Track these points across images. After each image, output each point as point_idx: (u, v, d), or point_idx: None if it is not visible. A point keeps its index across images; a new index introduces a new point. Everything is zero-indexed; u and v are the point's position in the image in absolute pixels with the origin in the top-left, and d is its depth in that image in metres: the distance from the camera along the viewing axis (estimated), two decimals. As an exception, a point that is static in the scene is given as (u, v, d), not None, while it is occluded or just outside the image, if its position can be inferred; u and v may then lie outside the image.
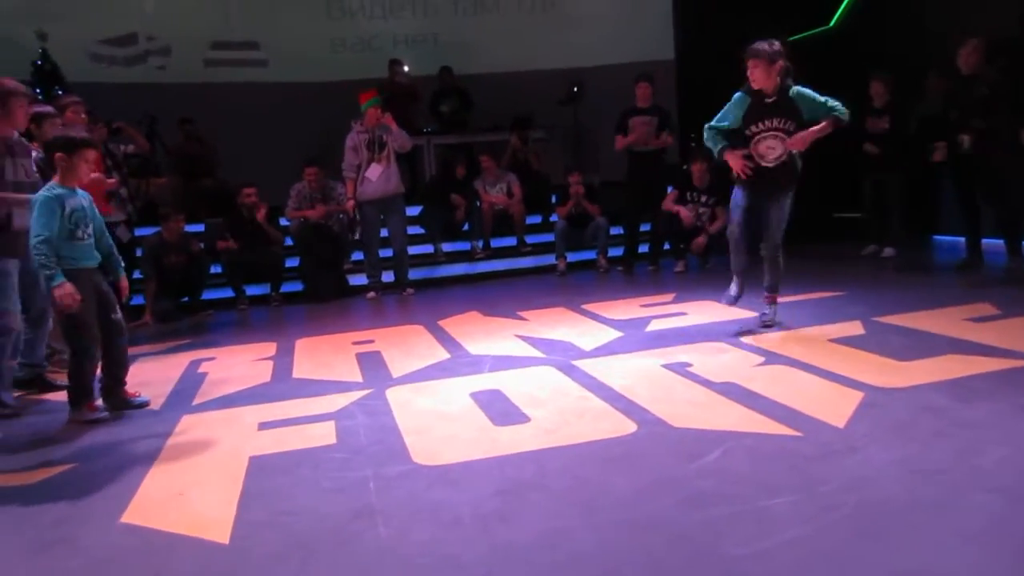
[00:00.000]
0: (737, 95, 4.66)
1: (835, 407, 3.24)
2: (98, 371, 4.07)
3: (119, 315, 4.16)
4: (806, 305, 5.38)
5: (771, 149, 4.58)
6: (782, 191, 4.68)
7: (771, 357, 4.14)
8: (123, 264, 4.30)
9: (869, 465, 2.66)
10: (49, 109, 5.04)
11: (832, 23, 10.06)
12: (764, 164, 4.62)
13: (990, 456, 2.67)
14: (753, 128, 4.62)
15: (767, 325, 4.83)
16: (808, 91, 4.52)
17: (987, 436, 2.84)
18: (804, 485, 2.53)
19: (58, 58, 8.72)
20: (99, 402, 4.04)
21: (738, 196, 4.77)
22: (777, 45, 4.51)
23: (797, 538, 2.20)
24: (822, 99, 4.48)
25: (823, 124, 4.45)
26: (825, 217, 8.92)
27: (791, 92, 4.51)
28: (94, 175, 4.61)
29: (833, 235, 8.68)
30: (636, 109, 7.74)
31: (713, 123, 4.76)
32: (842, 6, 9.94)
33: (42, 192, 3.91)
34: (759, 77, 4.51)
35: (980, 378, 3.50)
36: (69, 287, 3.81)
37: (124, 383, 4.17)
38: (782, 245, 4.79)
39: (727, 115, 4.71)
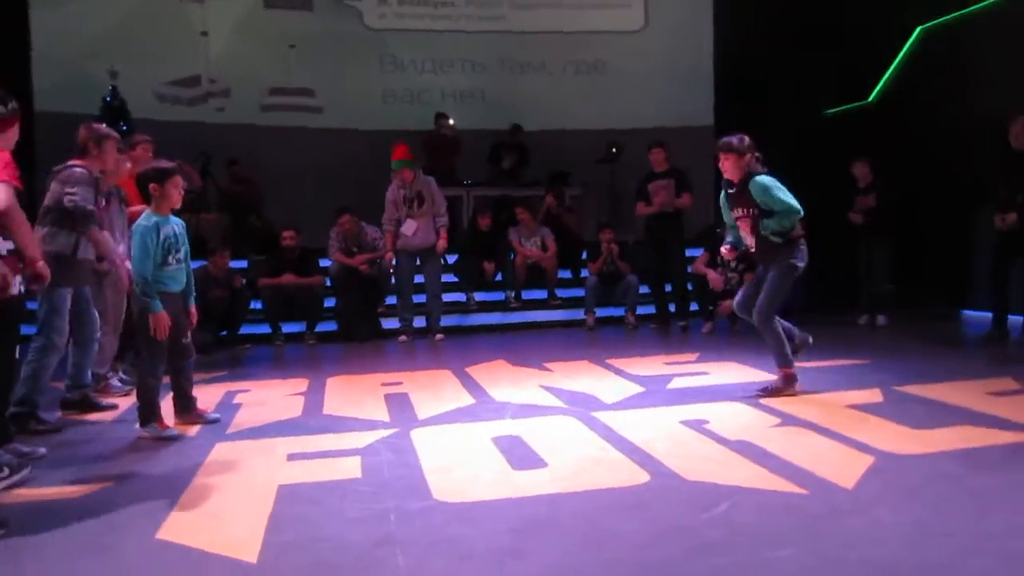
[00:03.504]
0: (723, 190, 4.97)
1: (844, 469, 3.31)
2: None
3: (188, 339, 4.43)
4: (828, 371, 5.44)
5: (747, 235, 4.86)
6: (768, 268, 4.79)
7: (787, 419, 4.21)
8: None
9: (875, 525, 2.73)
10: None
11: (872, 97, 10.20)
12: (750, 248, 4.92)
13: (999, 522, 2.71)
14: (732, 215, 4.92)
15: (768, 392, 4.77)
16: (763, 184, 4.63)
17: (998, 503, 2.89)
18: (808, 540, 2.61)
19: (126, 96, 9.24)
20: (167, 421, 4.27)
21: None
22: (747, 140, 4.76)
23: (796, 590, 2.28)
24: (774, 197, 4.61)
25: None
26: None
27: (750, 182, 4.68)
28: (137, 207, 4.87)
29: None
30: (654, 174, 7.98)
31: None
32: (882, 81, 10.09)
33: (140, 222, 4.16)
34: (728, 168, 4.77)
35: (995, 449, 3.54)
36: (164, 319, 4.08)
37: (195, 400, 4.48)
38: (768, 317, 4.73)
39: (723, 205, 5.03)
